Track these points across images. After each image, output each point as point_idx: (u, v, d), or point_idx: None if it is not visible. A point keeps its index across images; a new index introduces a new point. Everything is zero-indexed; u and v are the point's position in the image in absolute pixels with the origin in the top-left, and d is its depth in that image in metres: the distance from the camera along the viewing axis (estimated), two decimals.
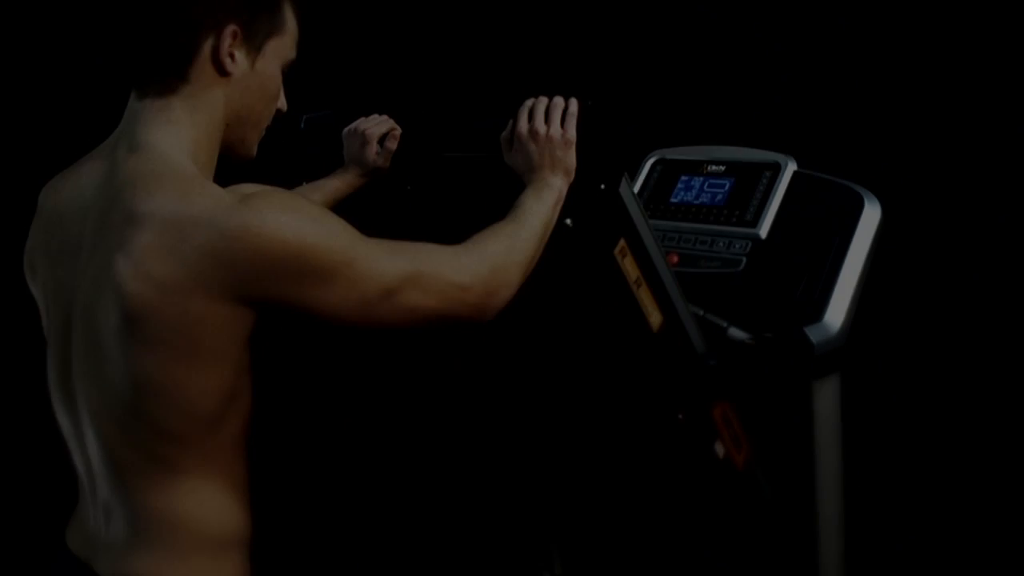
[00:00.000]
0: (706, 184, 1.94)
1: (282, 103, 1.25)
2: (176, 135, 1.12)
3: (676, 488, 1.78)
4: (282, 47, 1.19)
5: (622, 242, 1.41)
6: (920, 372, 2.33)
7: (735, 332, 1.68)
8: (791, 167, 1.89)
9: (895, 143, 2.32)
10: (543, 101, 1.39)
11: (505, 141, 1.41)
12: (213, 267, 1.03)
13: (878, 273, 1.79)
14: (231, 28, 1.12)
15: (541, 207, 1.34)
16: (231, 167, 1.24)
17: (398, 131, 1.61)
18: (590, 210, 1.39)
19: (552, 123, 1.37)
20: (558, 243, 1.36)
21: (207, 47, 1.12)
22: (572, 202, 1.38)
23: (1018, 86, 2.20)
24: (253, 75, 1.17)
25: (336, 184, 1.63)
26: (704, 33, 2.47)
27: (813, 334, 1.70)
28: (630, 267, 1.43)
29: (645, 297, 1.46)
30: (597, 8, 2.46)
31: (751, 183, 1.90)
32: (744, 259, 1.82)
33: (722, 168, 1.95)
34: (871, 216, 1.80)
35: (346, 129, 1.64)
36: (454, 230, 1.26)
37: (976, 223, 2.27)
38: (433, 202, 1.63)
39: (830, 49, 2.36)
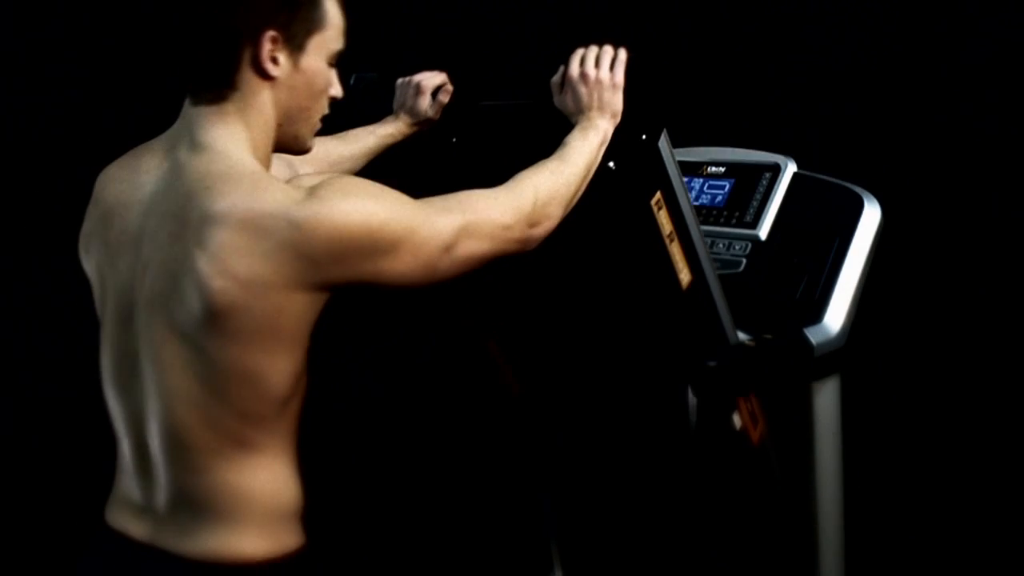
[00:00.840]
0: (706, 185, 1.94)
1: (336, 90, 1.28)
2: (234, 135, 1.17)
3: (689, 460, 1.78)
4: (325, 41, 1.22)
5: (658, 194, 1.47)
6: (920, 373, 2.33)
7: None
8: (791, 168, 1.90)
9: (895, 144, 2.32)
10: (594, 48, 1.48)
11: (555, 85, 1.50)
12: (292, 259, 1.10)
13: (878, 274, 1.79)
14: (269, 34, 1.15)
15: (586, 146, 1.41)
16: None
17: (451, 86, 1.69)
18: (632, 158, 1.45)
19: (602, 67, 1.46)
20: (601, 185, 1.42)
21: (248, 55, 1.16)
22: (615, 147, 1.44)
23: (1018, 86, 2.20)
24: (298, 74, 1.20)
25: (388, 130, 1.71)
26: (703, 35, 2.47)
27: (813, 335, 1.71)
28: (665, 220, 1.48)
29: (677, 253, 1.50)
30: (596, 10, 2.46)
31: (751, 184, 1.90)
32: (744, 260, 1.82)
33: (722, 169, 1.95)
34: (871, 217, 1.80)
35: (400, 80, 1.72)
36: (499, 182, 1.31)
37: (976, 224, 2.27)
38: (478, 154, 1.69)
39: (830, 50, 2.36)
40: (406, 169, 1.71)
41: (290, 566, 1.22)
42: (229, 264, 1.09)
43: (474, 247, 1.23)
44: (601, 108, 1.45)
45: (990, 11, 2.20)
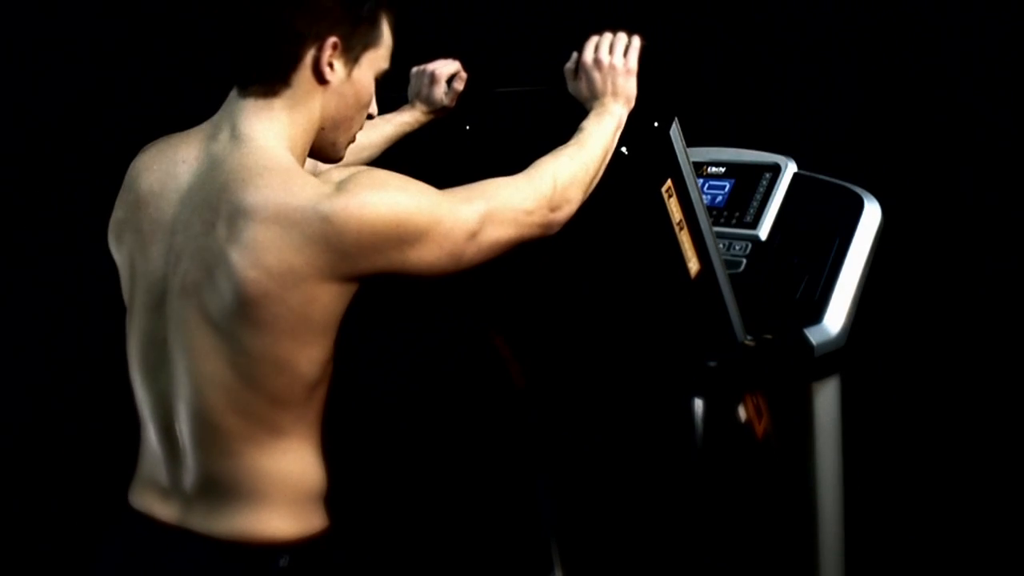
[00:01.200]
0: (706, 186, 1.94)
1: (373, 109, 1.32)
2: (276, 130, 1.22)
3: (692, 457, 1.78)
4: (377, 59, 1.27)
5: (669, 182, 1.49)
6: (920, 373, 2.33)
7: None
8: (791, 168, 1.90)
9: (895, 144, 2.32)
10: (608, 35, 1.50)
11: (569, 71, 1.52)
12: (323, 251, 1.13)
13: (878, 274, 1.79)
14: (332, 40, 1.21)
15: (601, 131, 1.44)
16: None
17: (464, 73, 1.72)
18: (643, 145, 1.47)
19: (615, 53, 1.48)
20: (612, 171, 1.44)
21: (309, 56, 1.21)
22: (627, 134, 1.47)
23: (1018, 86, 2.20)
24: (349, 84, 1.25)
25: (405, 119, 1.74)
26: (703, 35, 2.47)
27: (813, 336, 1.71)
28: (675, 208, 1.50)
29: (686, 241, 1.52)
30: (595, 11, 2.46)
31: (751, 184, 1.90)
32: (744, 260, 1.82)
33: (722, 170, 1.95)
34: (871, 217, 1.80)
35: (415, 69, 1.74)
36: (513, 168, 1.33)
37: (976, 224, 2.27)
38: (493, 140, 1.71)
39: (830, 50, 2.36)
40: (422, 157, 1.72)
41: (315, 547, 1.26)
42: (261, 256, 1.13)
43: (498, 233, 1.26)
44: (615, 94, 1.47)
45: (991, 11, 2.20)
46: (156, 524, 1.26)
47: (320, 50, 1.20)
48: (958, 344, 2.30)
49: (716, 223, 1.88)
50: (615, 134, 1.46)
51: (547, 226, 1.34)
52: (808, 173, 1.89)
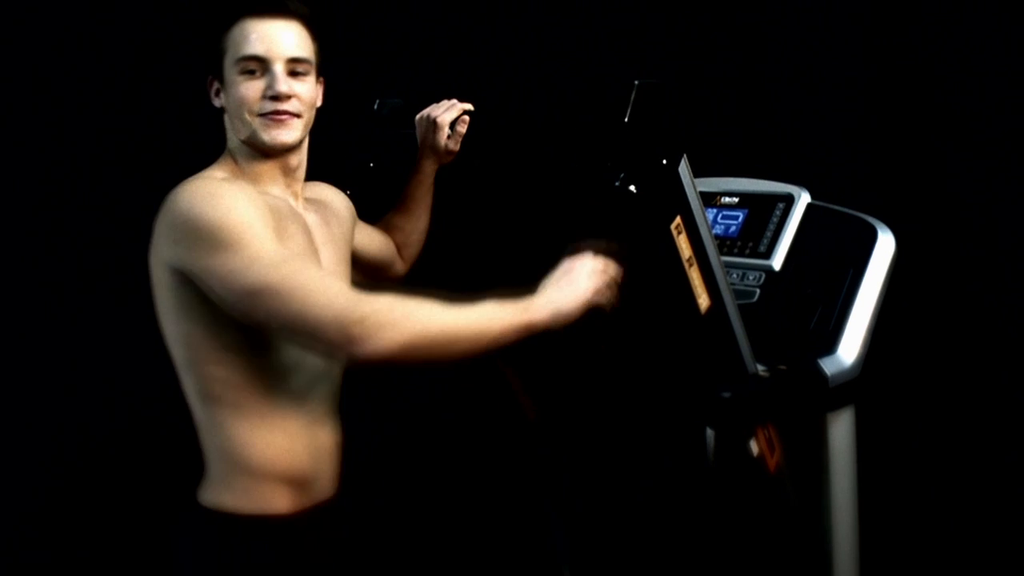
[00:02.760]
0: (720, 216, 1.95)
1: (273, 89, 1.41)
2: (223, 156, 1.49)
3: (705, 488, 1.77)
4: (231, 58, 1.42)
5: (678, 219, 1.48)
6: (935, 403, 2.32)
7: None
8: (805, 199, 1.90)
9: (909, 175, 2.32)
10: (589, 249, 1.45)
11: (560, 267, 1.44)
12: (156, 237, 1.35)
13: (892, 304, 1.79)
14: (209, 78, 1.47)
15: (500, 314, 1.32)
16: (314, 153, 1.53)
17: (467, 116, 1.71)
18: (652, 182, 1.47)
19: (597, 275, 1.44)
20: (623, 209, 1.46)
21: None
22: (636, 172, 1.46)
23: None
24: (226, 95, 1.45)
25: (419, 179, 1.75)
26: (717, 65, 2.49)
27: (827, 366, 1.70)
28: (684, 245, 1.49)
29: (696, 277, 1.52)
30: (609, 40, 2.48)
31: (765, 215, 1.90)
32: (758, 291, 1.82)
33: (735, 200, 1.96)
34: (885, 248, 1.80)
35: (418, 116, 1.75)
36: (517, 212, 1.37)
37: (990, 254, 2.26)
38: (501, 181, 1.72)
39: (844, 81, 2.37)
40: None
41: (262, 526, 1.41)
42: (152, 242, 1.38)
43: (274, 311, 1.26)
44: (557, 307, 1.37)
45: (1009, 47, 2.20)
46: (193, 500, 1.46)
47: (210, 90, 1.47)
48: (973, 374, 2.28)
49: (730, 253, 1.88)
50: (513, 329, 1.32)
51: (341, 349, 1.25)
52: (822, 203, 1.90)
